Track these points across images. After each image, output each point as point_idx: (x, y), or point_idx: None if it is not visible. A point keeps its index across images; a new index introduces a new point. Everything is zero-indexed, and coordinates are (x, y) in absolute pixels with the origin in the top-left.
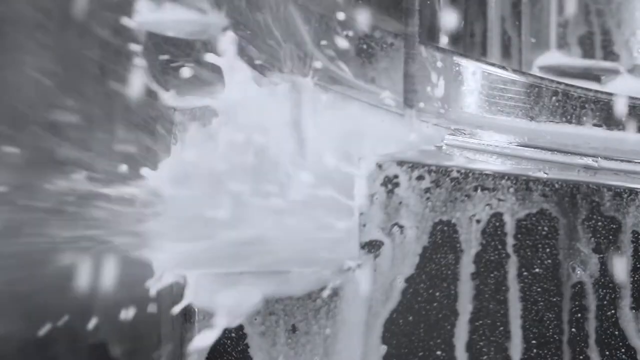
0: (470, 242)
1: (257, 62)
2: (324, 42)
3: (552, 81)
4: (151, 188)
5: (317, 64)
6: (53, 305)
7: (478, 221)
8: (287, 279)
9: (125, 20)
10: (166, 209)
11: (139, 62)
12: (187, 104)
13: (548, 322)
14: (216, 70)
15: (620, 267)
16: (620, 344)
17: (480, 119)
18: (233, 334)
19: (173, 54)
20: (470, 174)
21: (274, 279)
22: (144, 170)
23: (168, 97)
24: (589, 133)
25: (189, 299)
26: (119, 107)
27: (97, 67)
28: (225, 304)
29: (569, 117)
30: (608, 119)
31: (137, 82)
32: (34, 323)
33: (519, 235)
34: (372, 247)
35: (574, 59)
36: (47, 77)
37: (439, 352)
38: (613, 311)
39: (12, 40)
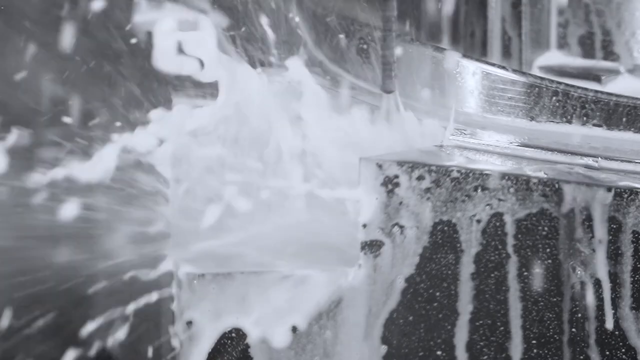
0: (471, 242)
1: (258, 61)
2: (324, 43)
3: (552, 81)
4: None
5: (318, 64)
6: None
7: (478, 221)
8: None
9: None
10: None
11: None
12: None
13: (548, 322)
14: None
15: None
16: (620, 344)
17: (480, 119)
18: (233, 334)
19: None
20: (470, 174)
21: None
22: None
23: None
24: (589, 133)
25: (190, 298)
26: None
27: None
28: (225, 305)
29: (569, 117)
30: (608, 119)
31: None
32: None
33: (519, 235)
34: (372, 247)
35: (574, 59)
36: None
37: (439, 352)
38: (613, 311)
39: None
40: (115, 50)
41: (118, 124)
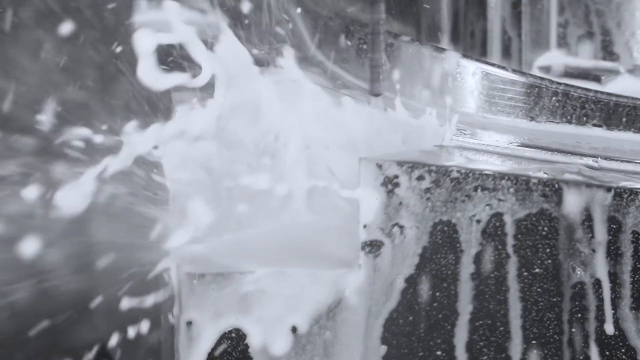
0: (470, 242)
1: (259, 60)
2: (324, 42)
3: (552, 81)
4: None
5: (318, 64)
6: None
7: (478, 221)
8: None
9: None
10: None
11: None
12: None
13: (548, 322)
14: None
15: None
16: (620, 344)
17: (480, 119)
18: (233, 334)
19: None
20: (470, 174)
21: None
22: None
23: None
24: (589, 133)
25: (190, 298)
26: None
27: None
28: (225, 305)
29: (569, 117)
30: (608, 119)
31: None
32: None
33: (519, 236)
34: (372, 247)
35: (574, 59)
36: None
37: (439, 352)
38: (613, 311)
39: None
40: (109, 58)
41: (117, 126)
